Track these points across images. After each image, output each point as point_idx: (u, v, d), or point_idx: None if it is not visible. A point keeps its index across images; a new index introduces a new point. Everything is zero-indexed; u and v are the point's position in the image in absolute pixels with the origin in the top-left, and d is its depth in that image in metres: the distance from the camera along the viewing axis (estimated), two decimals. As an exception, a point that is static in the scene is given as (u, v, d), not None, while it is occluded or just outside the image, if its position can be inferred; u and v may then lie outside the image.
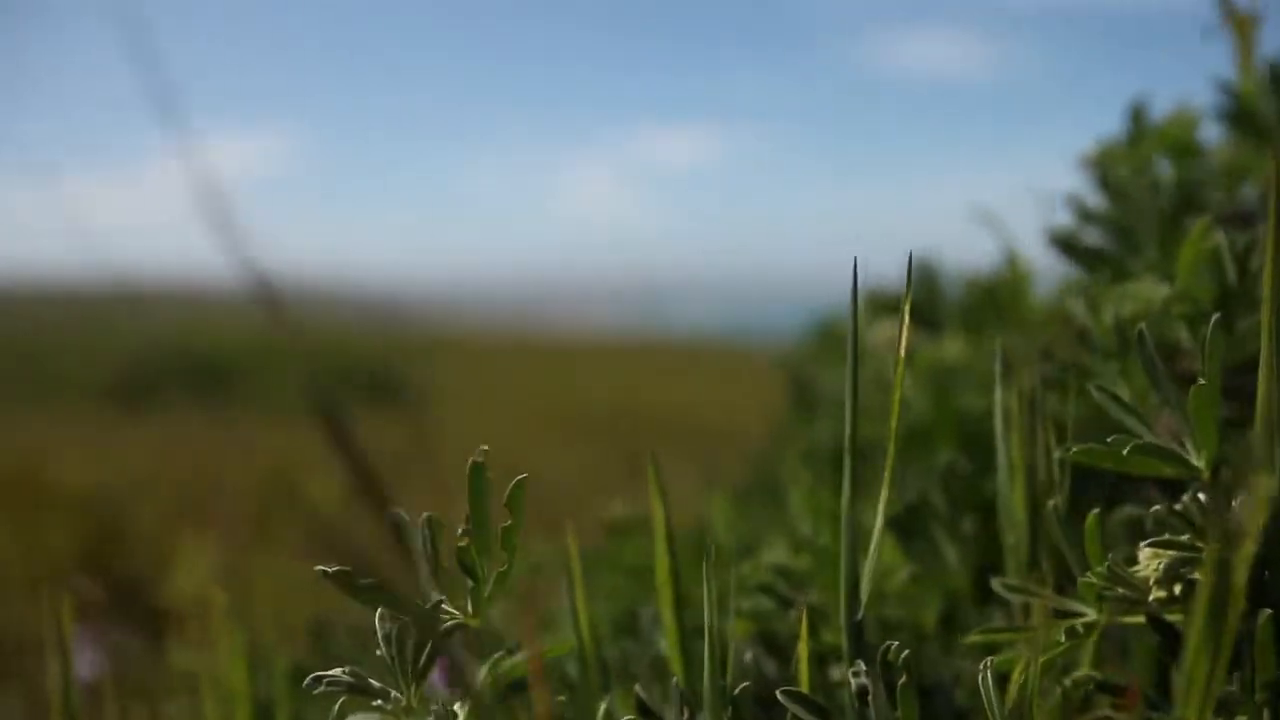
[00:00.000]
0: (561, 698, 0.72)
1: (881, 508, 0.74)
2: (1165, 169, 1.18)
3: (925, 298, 1.66)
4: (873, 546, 0.74)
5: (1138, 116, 1.24)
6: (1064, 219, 1.31)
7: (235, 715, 0.89)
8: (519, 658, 0.60)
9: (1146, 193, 1.00)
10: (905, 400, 1.26)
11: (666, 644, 0.80)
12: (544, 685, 0.58)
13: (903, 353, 0.74)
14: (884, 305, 1.66)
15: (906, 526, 0.99)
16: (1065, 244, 1.20)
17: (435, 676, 1.56)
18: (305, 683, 0.64)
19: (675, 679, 0.79)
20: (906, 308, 0.74)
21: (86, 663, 1.18)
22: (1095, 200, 1.23)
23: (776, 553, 1.09)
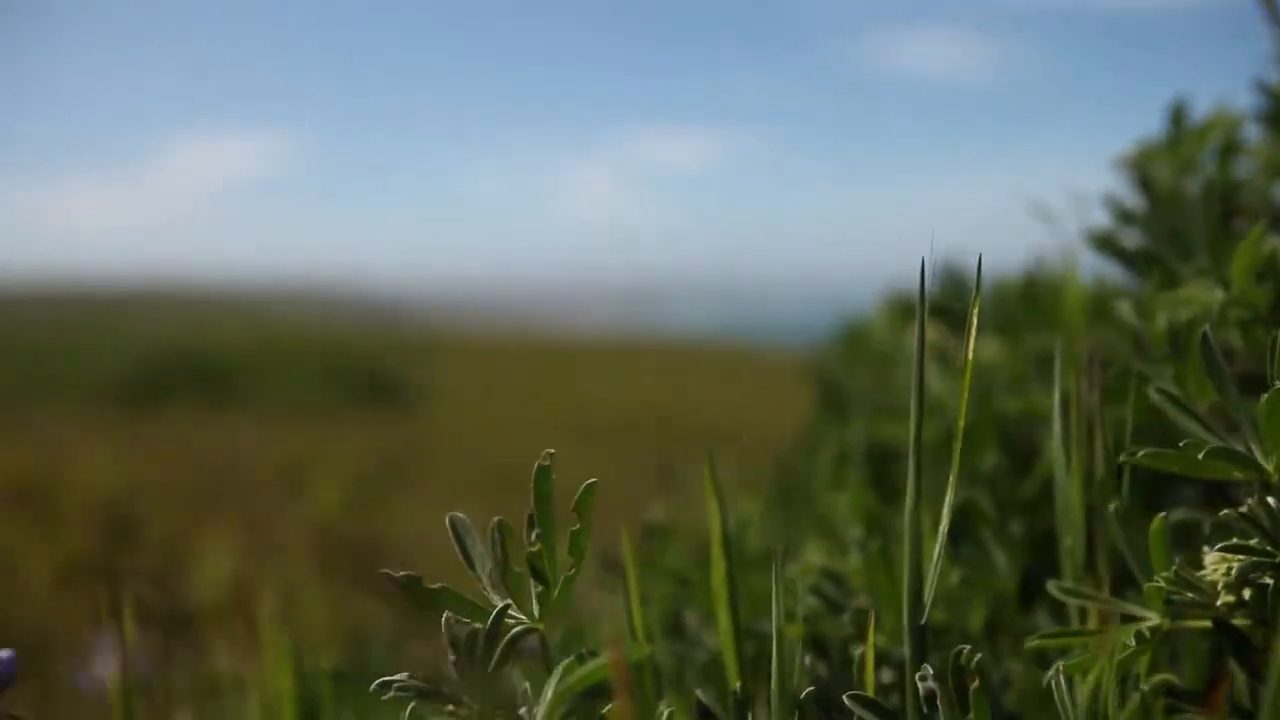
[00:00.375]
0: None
1: (946, 511, 0.74)
2: (1206, 170, 1.17)
3: (953, 300, 1.65)
4: (936, 550, 0.73)
5: (1178, 118, 1.23)
6: (1091, 220, 1.31)
7: (282, 718, 0.88)
8: (595, 664, 0.59)
9: (1198, 195, 0.99)
10: (944, 403, 1.25)
11: (722, 647, 0.80)
12: (628, 693, 0.57)
13: (970, 355, 0.73)
14: (912, 308, 1.65)
15: (953, 529, 0.98)
16: (1108, 246, 1.20)
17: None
18: (374, 687, 0.64)
19: (735, 683, 0.79)
20: (975, 310, 0.74)
21: (117, 664, 1.17)
22: (1135, 201, 1.23)
23: (818, 556, 1.09)
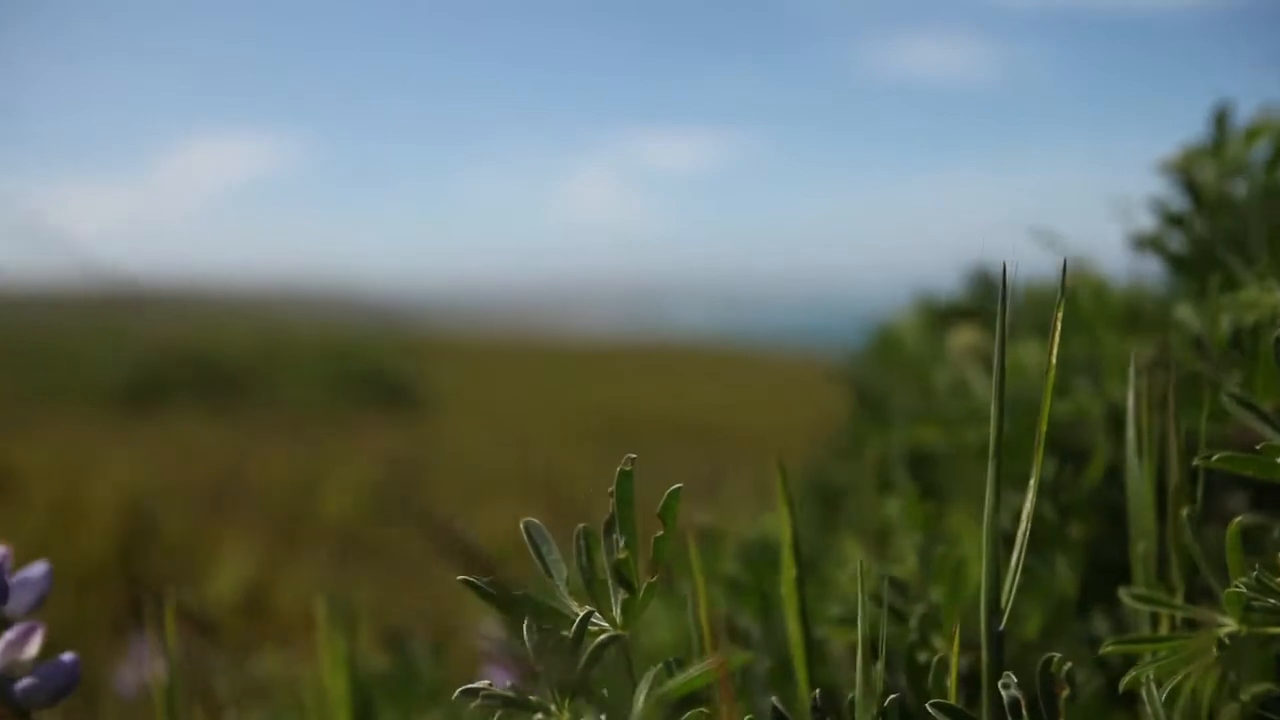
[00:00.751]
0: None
1: (1027, 511, 0.73)
2: (1254, 174, 1.17)
3: (985, 302, 1.65)
4: (1014, 556, 0.73)
5: (1221, 121, 1.23)
6: (1134, 223, 1.30)
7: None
8: (697, 670, 0.59)
9: (1253, 198, 0.99)
10: (988, 407, 1.25)
11: (793, 654, 0.79)
12: (733, 701, 0.57)
13: (1053, 359, 0.73)
14: (944, 312, 1.65)
15: (1008, 534, 0.98)
16: (1156, 248, 1.20)
17: (497, 680, 1.55)
18: (456, 695, 0.63)
19: (806, 689, 0.79)
20: (1059, 314, 0.73)
21: (157, 667, 1.16)
22: (1181, 204, 1.23)
23: (867, 561, 1.08)
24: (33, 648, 0.72)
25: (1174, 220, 1.19)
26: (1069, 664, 0.64)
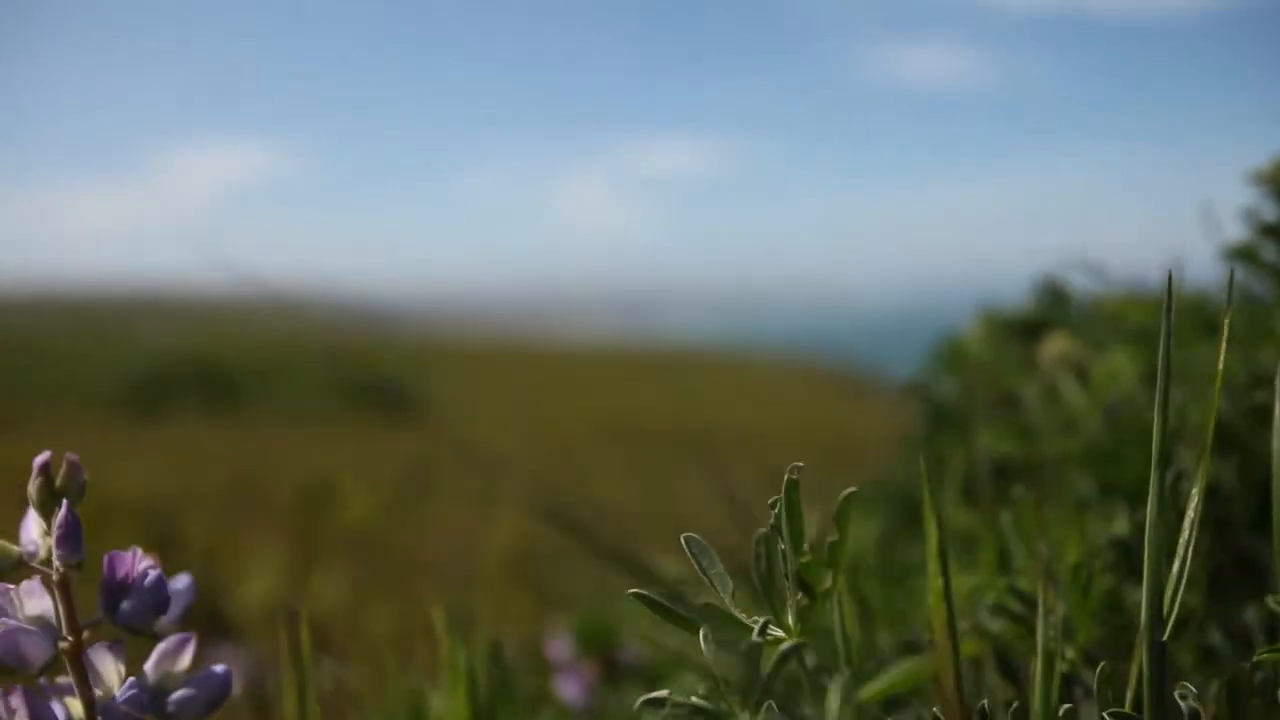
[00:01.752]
0: None
1: (1190, 520, 0.73)
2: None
3: (1055, 314, 1.64)
4: (1176, 566, 0.72)
5: (1312, 131, 1.23)
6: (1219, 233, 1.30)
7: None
8: (913, 664, 0.58)
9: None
10: (1084, 415, 1.25)
11: (940, 667, 0.78)
12: (958, 693, 0.56)
13: (1220, 365, 0.72)
14: (1013, 324, 1.65)
15: (1128, 541, 0.98)
16: (1249, 258, 1.19)
17: (570, 689, 1.53)
18: (640, 703, 0.62)
19: (955, 698, 0.78)
20: (1226, 322, 0.73)
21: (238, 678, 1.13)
22: (1274, 215, 1.23)
23: (969, 574, 1.08)
24: (186, 659, 0.71)
25: (1269, 230, 1.19)
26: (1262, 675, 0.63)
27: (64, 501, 0.68)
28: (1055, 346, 1.28)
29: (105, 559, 0.69)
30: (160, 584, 0.69)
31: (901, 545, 1.36)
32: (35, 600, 0.65)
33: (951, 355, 1.62)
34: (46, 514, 0.68)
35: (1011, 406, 1.38)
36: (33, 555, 0.68)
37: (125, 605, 0.68)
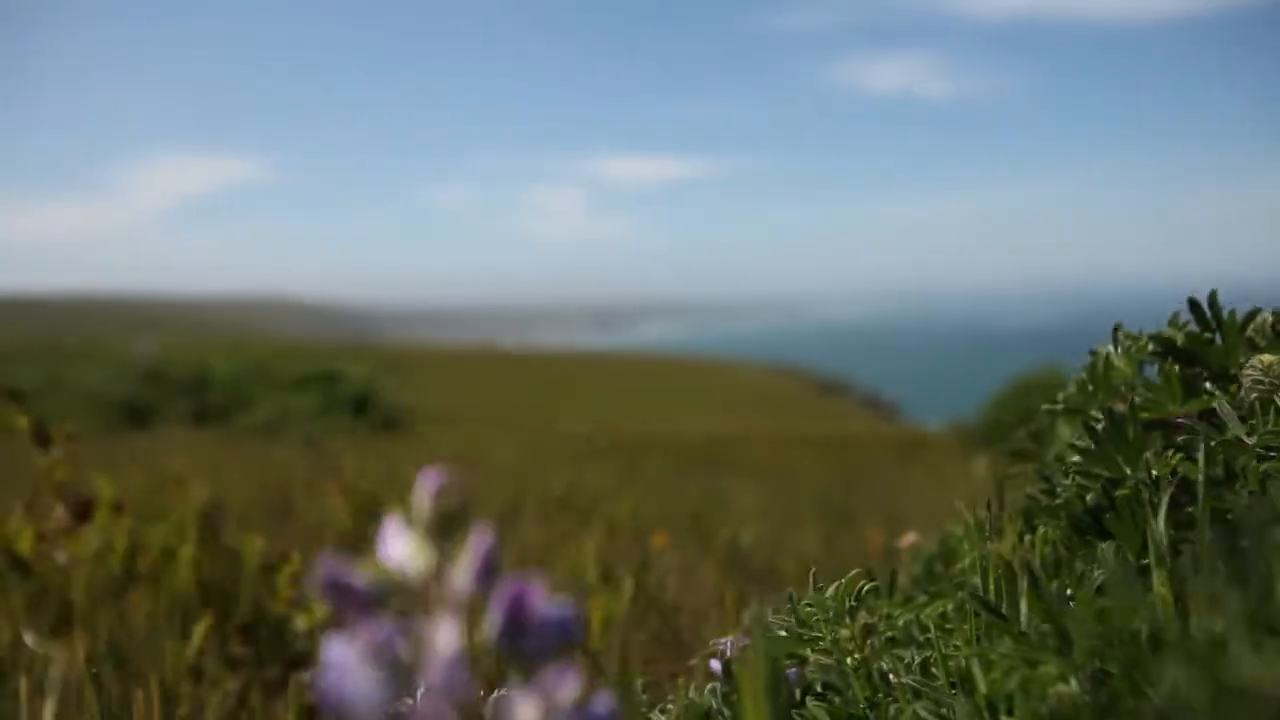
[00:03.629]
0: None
1: None
2: None
3: (1209, 336, 1.63)
4: None
5: None
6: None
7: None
8: None
9: None
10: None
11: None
12: None
13: None
14: (1160, 348, 1.63)
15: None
16: None
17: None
18: None
19: None
20: None
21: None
22: None
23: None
24: (568, 691, 0.67)
25: None
26: None
27: (480, 527, 0.64)
28: (1266, 360, 1.26)
29: (509, 587, 0.64)
30: (570, 619, 0.65)
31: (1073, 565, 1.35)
32: (443, 634, 0.61)
33: (1103, 379, 1.60)
34: (436, 536, 0.64)
35: (1176, 430, 1.37)
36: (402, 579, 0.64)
37: (529, 640, 0.64)
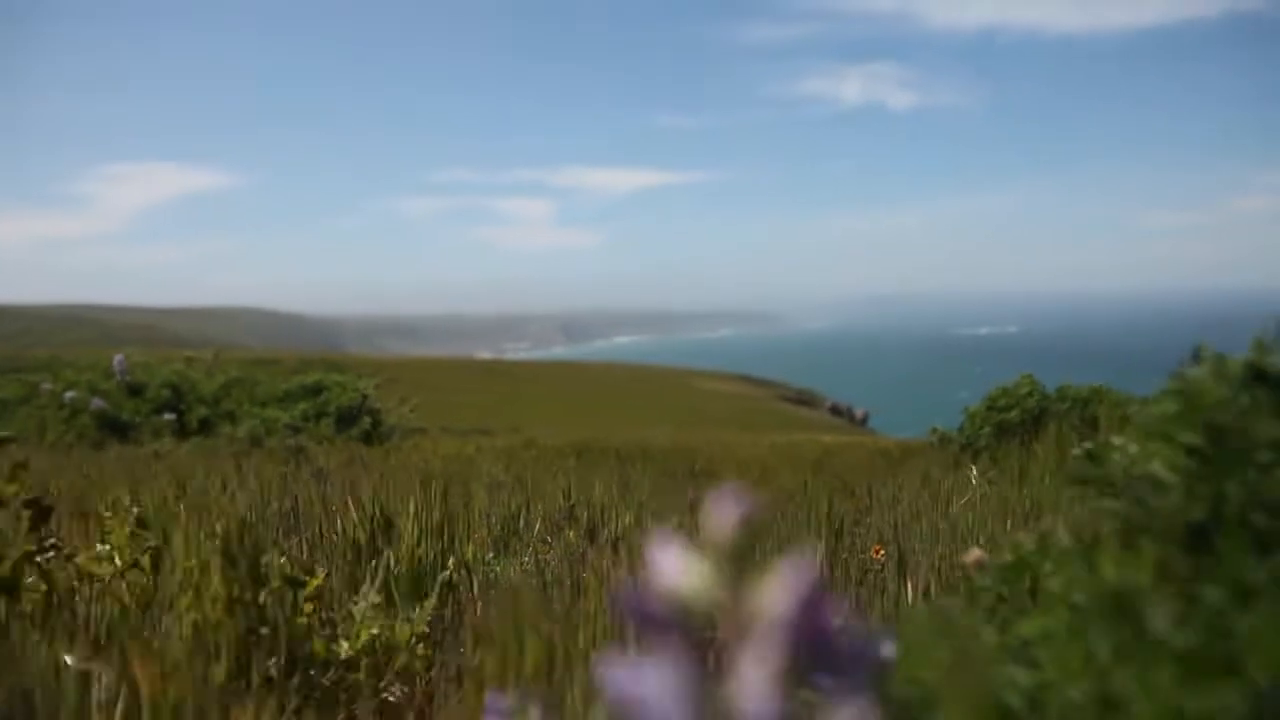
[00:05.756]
0: None
1: None
2: None
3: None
4: None
5: None
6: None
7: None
8: None
9: None
10: None
11: None
12: None
13: None
14: (1249, 372, 1.65)
15: None
16: None
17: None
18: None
19: None
20: None
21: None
22: None
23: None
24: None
25: None
26: None
27: (797, 551, 0.62)
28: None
29: (819, 612, 0.62)
30: (878, 646, 0.63)
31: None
32: (754, 661, 0.59)
33: (1192, 402, 1.61)
34: (734, 560, 0.62)
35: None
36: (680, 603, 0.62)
37: (835, 667, 0.62)
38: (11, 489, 2.10)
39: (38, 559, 2.01)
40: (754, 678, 0.60)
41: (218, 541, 2.62)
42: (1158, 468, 1.61)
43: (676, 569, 0.63)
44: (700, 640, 0.62)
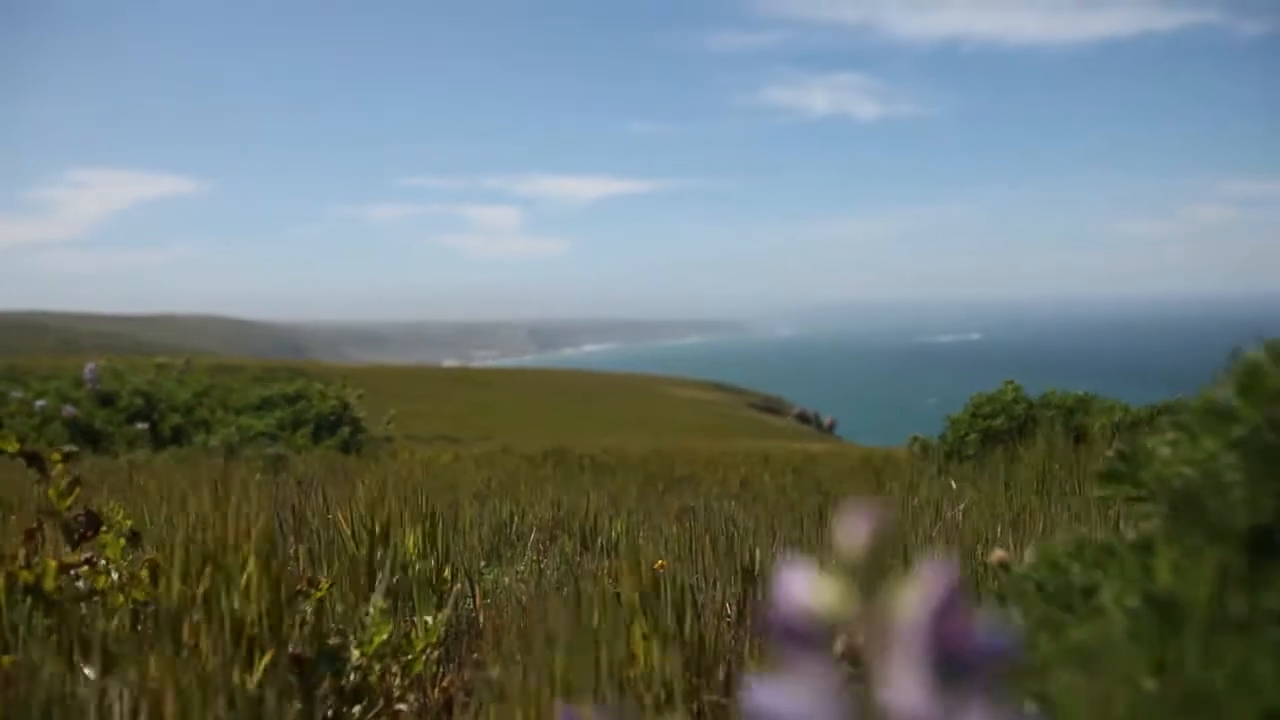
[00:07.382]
0: None
1: None
2: None
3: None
4: None
5: None
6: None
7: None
8: None
9: None
10: None
11: None
12: None
13: None
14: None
15: None
16: None
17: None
18: None
19: None
20: None
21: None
22: None
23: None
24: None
25: None
26: None
27: (938, 563, 0.63)
28: None
29: (944, 606, 0.62)
30: (1008, 648, 0.64)
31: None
32: (902, 677, 0.61)
33: (1251, 386, 1.64)
34: (868, 574, 0.64)
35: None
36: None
37: (976, 678, 0.63)
38: (65, 504, 2.10)
39: (71, 570, 2.00)
40: (902, 686, 0.62)
41: (245, 553, 2.62)
42: (1221, 464, 1.64)
43: (808, 587, 0.65)
44: (840, 654, 0.64)
